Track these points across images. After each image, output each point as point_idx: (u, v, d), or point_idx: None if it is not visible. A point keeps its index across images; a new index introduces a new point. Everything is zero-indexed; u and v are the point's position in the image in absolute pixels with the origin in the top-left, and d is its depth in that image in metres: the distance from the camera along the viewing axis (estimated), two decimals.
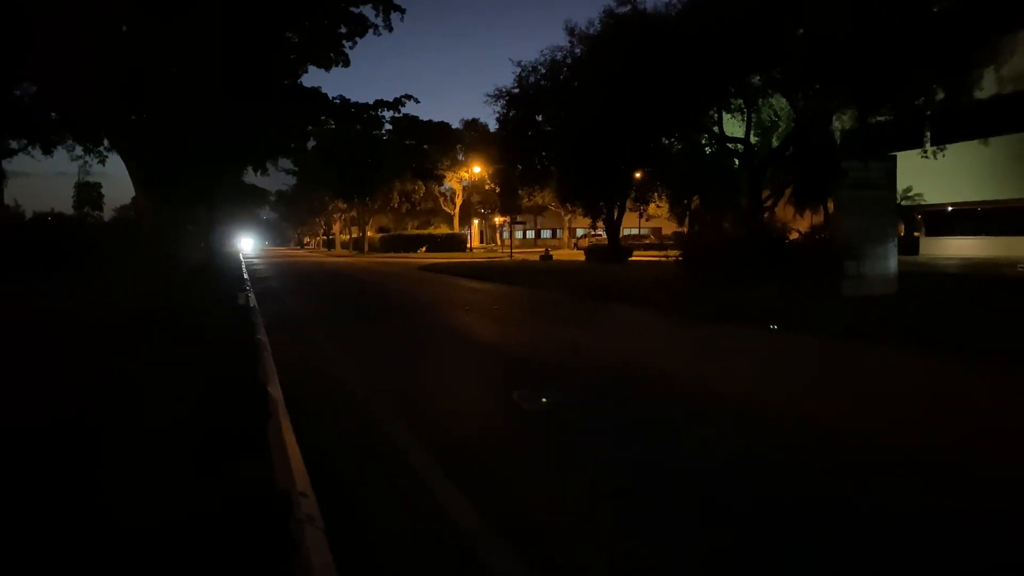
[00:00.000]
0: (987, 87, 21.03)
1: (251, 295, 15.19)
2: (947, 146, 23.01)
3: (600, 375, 7.87)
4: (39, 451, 4.01)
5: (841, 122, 23.27)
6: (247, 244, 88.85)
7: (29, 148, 25.30)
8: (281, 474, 3.07)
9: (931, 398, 6.53)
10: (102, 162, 24.26)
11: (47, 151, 25.13)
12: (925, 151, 22.69)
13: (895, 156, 15.55)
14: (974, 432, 5.37)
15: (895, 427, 5.46)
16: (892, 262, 14.84)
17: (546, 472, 4.55)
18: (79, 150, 24.43)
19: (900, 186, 16.63)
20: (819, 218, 21.48)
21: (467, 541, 3.36)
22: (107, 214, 40.75)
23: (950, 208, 34.32)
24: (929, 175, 25.74)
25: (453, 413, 6.07)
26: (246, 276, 25.11)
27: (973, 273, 21.35)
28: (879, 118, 21.77)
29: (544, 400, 6.57)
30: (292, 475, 2.99)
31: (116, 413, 4.73)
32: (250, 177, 39.19)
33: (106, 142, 22.52)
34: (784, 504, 3.92)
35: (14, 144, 25.56)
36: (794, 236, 18.71)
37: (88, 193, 39.20)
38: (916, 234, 34.76)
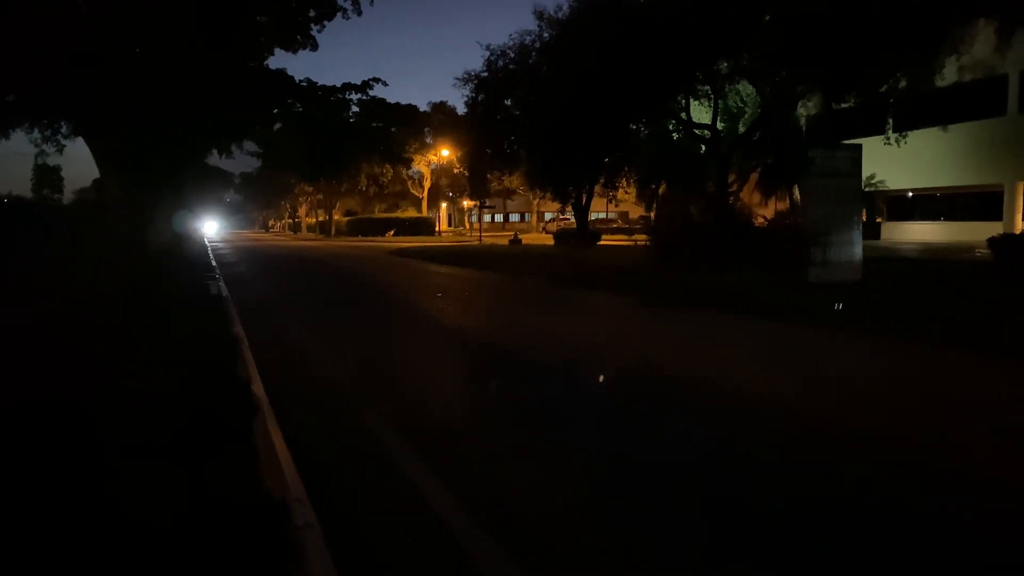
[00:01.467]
0: (948, 75, 21.45)
1: (222, 283, 15.04)
2: (908, 133, 23.46)
3: (578, 363, 7.96)
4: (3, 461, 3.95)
5: (806, 109, 23.59)
6: (211, 227, 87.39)
7: None
8: (273, 479, 3.10)
9: (904, 383, 6.72)
10: (60, 150, 23.62)
11: (3, 134, 24.45)
12: (887, 138, 23.11)
13: (861, 145, 15.83)
14: (935, 412, 5.56)
15: (873, 415, 5.63)
16: (857, 249, 15.15)
17: (527, 464, 4.62)
18: (38, 134, 23.76)
19: (864, 172, 16.95)
20: (784, 204, 21.81)
21: (457, 541, 3.43)
22: (67, 197, 39.85)
23: (911, 194, 35.03)
24: (891, 161, 26.24)
25: (432, 404, 6.12)
26: (214, 262, 24.81)
27: (934, 258, 21.87)
28: (843, 105, 22.12)
29: (519, 388, 6.65)
30: (286, 480, 3.02)
31: (88, 412, 4.68)
32: (214, 159, 38.53)
33: (64, 127, 21.98)
34: (762, 491, 4.04)
35: None
36: (760, 222, 18.99)
37: (47, 175, 38.32)
38: (878, 219, 35.43)
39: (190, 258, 24.53)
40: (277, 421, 4.32)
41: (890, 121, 24.73)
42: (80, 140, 21.93)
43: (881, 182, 30.12)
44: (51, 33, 15.17)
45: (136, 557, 2.66)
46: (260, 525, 2.69)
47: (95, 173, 24.53)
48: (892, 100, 21.53)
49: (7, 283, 11.83)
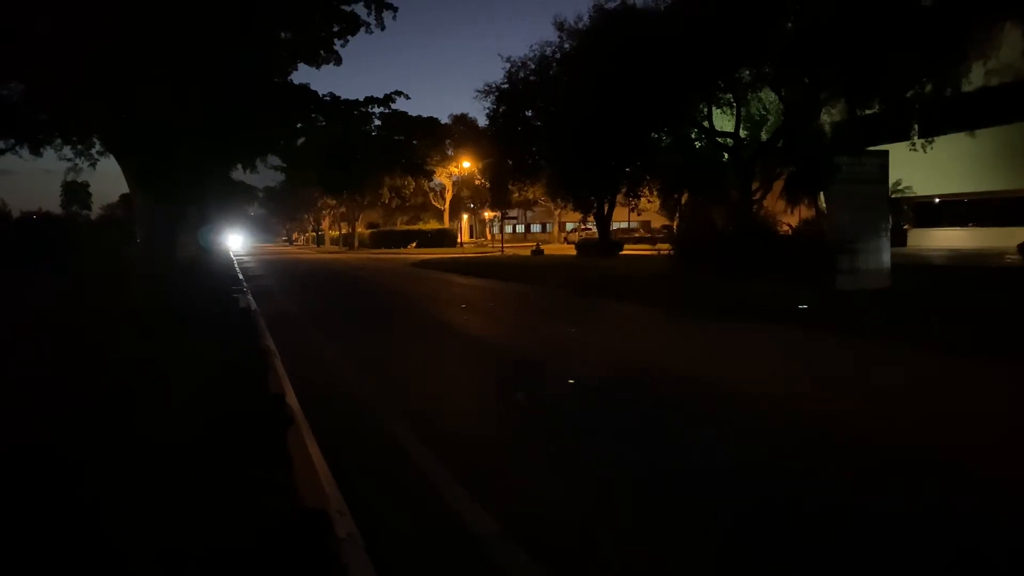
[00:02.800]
0: (974, 80, 21.21)
1: (250, 296, 15.17)
2: (935, 138, 23.22)
3: (605, 374, 7.92)
4: (44, 474, 4.00)
5: (830, 115, 23.44)
6: (236, 241, 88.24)
7: (17, 148, 25.04)
8: (311, 491, 3.12)
9: (938, 395, 6.62)
10: (93, 165, 24.06)
11: (35, 152, 24.90)
12: (913, 143, 22.89)
13: (887, 151, 15.67)
14: (969, 425, 5.47)
15: (905, 426, 5.55)
16: (885, 256, 14.97)
17: (552, 474, 4.61)
18: (68, 151, 24.22)
19: (890, 178, 16.77)
20: (810, 212, 21.65)
21: (484, 547, 3.42)
22: (95, 212, 40.56)
23: (937, 200, 34.58)
24: (917, 167, 25.95)
25: (459, 415, 6.12)
26: (240, 276, 25.06)
27: (962, 264, 21.55)
28: (867, 111, 21.95)
29: (546, 399, 6.63)
30: (324, 492, 3.03)
31: (122, 424, 4.74)
32: (239, 174, 38.98)
33: (97, 144, 22.35)
34: (793, 507, 3.99)
35: (1, 144, 25.28)
36: (784, 230, 18.86)
37: (76, 191, 39.05)
38: (905, 226, 35.01)
39: (217, 271, 24.79)
40: (313, 433, 4.34)
41: (916, 126, 24.50)
42: (108, 157, 22.31)
43: (908, 188, 29.76)
44: (82, 53, 15.44)
45: (180, 570, 2.68)
46: (301, 537, 2.71)
47: (123, 188, 24.94)
48: (917, 105, 21.33)
49: (38, 293, 12.02)
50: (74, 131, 21.59)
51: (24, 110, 22.42)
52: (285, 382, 5.52)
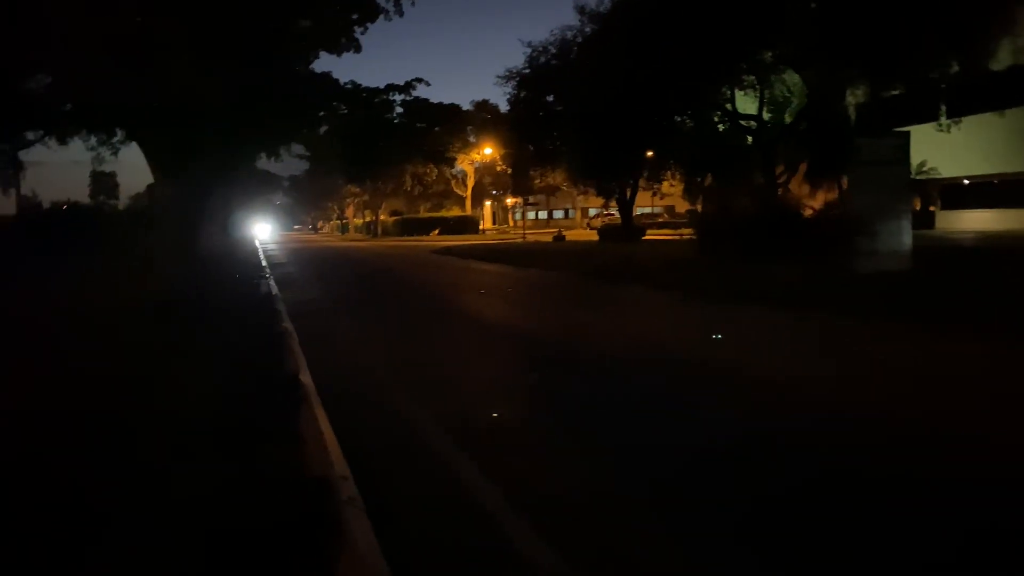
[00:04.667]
0: (1003, 58, 20.80)
1: (271, 282, 15.42)
2: (962, 119, 22.82)
3: (617, 355, 7.99)
4: (72, 443, 4.18)
5: (855, 97, 23.12)
6: (262, 230, 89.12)
7: (45, 139, 25.58)
8: (321, 460, 3.25)
9: (956, 376, 6.62)
10: (115, 153, 24.50)
11: (62, 142, 25.41)
12: (940, 124, 22.52)
13: (908, 132, 15.47)
14: (984, 406, 5.48)
15: (909, 403, 5.57)
16: (906, 238, 14.80)
17: (564, 453, 4.71)
18: (94, 141, 24.66)
19: (915, 160, 16.55)
20: (833, 195, 21.42)
21: (495, 522, 3.52)
22: (122, 202, 41.27)
23: (966, 181, 34.00)
24: (944, 148, 25.54)
25: (471, 395, 6.23)
26: (264, 263, 25.36)
27: (988, 247, 21.21)
28: (892, 92, 21.61)
29: (559, 381, 6.72)
30: (330, 460, 3.16)
31: (141, 402, 4.92)
32: (264, 163, 39.40)
33: (120, 133, 22.72)
34: (809, 489, 4.05)
35: (30, 135, 25.82)
36: (808, 213, 18.72)
37: (103, 182, 39.77)
38: (932, 208, 34.49)
39: (242, 259, 25.11)
40: (324, 408, 4.48)
41: (943, 107, 24.07)
42: (135, 148, 22.71)
43: (933, 170, 29.29)
44: (108, 45, 15.71)
45: (194, 527, 2.82)
46: (306, 499, 2.84)
47: (149, 178, 25.37)
48: (943, 85, 20.95)
49: (71, 281, 12.32)
50: (99, 118, 21.96)
51: (51, 101, 22.86)
52: (301, 361, 5.68)
